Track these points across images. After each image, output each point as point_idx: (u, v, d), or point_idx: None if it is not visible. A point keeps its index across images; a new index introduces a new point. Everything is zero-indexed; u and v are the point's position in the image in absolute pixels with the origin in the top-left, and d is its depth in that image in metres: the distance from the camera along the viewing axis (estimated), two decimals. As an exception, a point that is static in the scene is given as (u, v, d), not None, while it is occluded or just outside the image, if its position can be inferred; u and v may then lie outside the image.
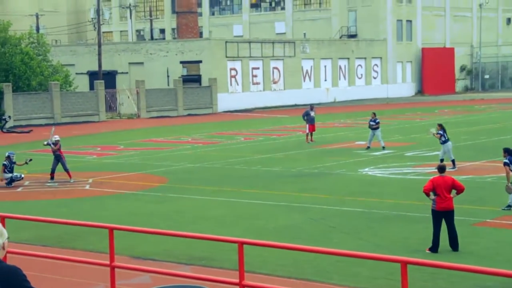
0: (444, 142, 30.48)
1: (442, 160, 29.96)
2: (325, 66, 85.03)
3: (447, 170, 18.14)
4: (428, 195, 17.12)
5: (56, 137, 29.98)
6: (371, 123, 36.75)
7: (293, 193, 25.71)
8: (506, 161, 21.86)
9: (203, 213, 22.77)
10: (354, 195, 24.80)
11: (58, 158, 29.38)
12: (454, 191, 16.99)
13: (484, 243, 18.05)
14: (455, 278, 14.13)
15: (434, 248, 16.86)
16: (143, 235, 16.89)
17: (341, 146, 39.54)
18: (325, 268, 15.22)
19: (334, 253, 10.91)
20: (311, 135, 42.45)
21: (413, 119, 57.62)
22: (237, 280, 9.30)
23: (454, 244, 16.91)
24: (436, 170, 17.72)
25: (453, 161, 30.31)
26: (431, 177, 17.59)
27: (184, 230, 16.92)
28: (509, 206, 21.95)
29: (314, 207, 23.14)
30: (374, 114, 37.77)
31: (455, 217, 17.08)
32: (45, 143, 30.70)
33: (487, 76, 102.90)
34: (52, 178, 29.39)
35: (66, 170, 29.28)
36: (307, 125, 42.57)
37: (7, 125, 56.08)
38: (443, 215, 16.88)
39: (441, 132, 30.75)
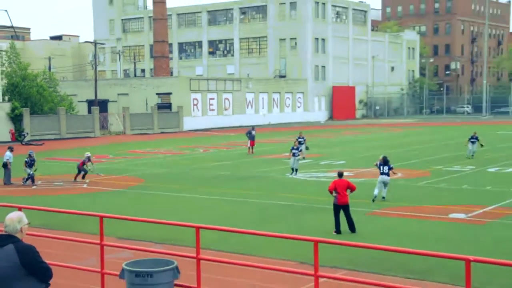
0: (294, 156, 30.64)
1: (293, 170, 30.52)
2: (262, 98, 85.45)
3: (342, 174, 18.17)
4: (331, 192, 17.39)
5: (88, 154, 30.35)
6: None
7: (238, 190, 25.71)
8: (389, 166, 22.41)
9: (171, 205, 22.69)
10: (283, 193, 24.87)
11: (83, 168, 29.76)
12: (349, 190, 17.27)
13: (373, 226, 18.30)
14: (354, 253, 14.25)
15: (338, 231, 17.08)
16: (126, 221, 16.75)
17: (273, 157, 39.65)
18: (260, 244, 15.24)
19: (264, 234, 10.89)
20: (252, 148, 42.59)
21: (326, 137, 58.02)
22: (194, 255, 9.25)
23: (352, 228, 17.27)
24: (337, 174, 17.97)
25: (296, 169, 30.62)
26: (333, 180, 17.81)
27: (157, 218, 16.76)
28: (383, 197, 22.50)
29: (253, 201, 23.18)
30: (299, 139, 37.39)
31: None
32: (89, 169, 30.34)
33: (377, 107, 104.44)
34: (83, 177, 29.45)
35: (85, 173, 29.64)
36: (249, 141, 42.83)
37: (26, 139, 55.61)
38: (341, 208, 17.21)
39: (295, 148, 31.02)
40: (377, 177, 22.72)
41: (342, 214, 17.27)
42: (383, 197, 22.52)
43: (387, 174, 22.45)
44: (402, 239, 16.33)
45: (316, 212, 20.37)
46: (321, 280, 8.77)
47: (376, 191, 22.50)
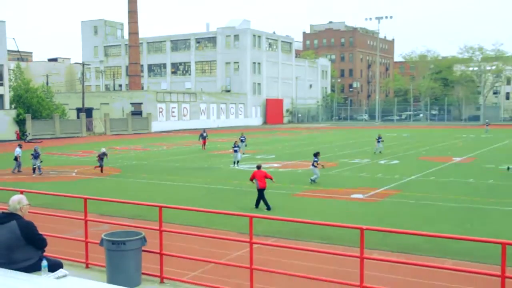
0: (235, 152, 30.57)
1: (234, 162, 30.24)
2: (213, 107, 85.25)
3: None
4: (251, 180, 17.70)
5: (104, 150, 28.72)
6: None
7: (193, 178, 25.54)
8: (316, 159, 22.96)
9: (142, 190, 22.30)
10: (228, 180, 24.84)
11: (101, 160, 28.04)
12: (267, 179, 17.59)
13: (296, 205, 18.41)
14: (281, 225, 14.31)
15: (268, 208, 17.23)
16: (106, 202, 16.44)
17: (221, 153, 39.60)
18: (210, 219, 15.15)
19: (213, 211, 10.88)
20: (204, 145, 42.40)
21: (260, 136, 58.29)
22: (158, 228, 9.13)
23: (257, 205, 17.39)
24: (256, 167, 18.26)
25: (238, 162, 30.07)
26: (254, 171, 18.00)
27: (130, 199, 16.49)
28: (312, 180, 22.83)
29: (205, 186, 23.05)
30: (241, 138, 37.42)
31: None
32: (102, 152, 28.43)
33: (300, 115, 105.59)
34: (101, 171, 27.77)
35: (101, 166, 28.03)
36: (201, 140, 42.63)
37: (28, 138, 55.04)
38: (262, 190, 17.36)
39: (236, 146, 30.76)
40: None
41: (265, 194, 17.51)
42: (311, 180, 23.09)
43: (312, 165, 23.00)
44: (317, 214, 16.53)
45: (252, 195, 20.37)
46: (255, 246, 8.77)
47: (313, 176, 23.29)
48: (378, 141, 37.07)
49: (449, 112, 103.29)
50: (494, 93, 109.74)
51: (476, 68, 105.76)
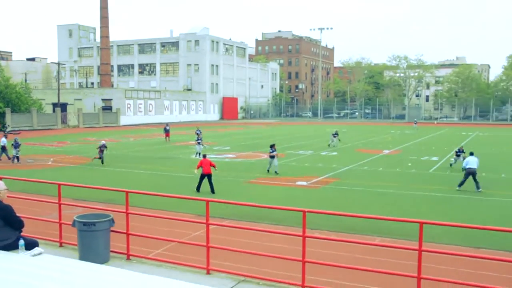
0: (198, 144, 30.34)
1: (196, 153, 30.07)
2: (175, 104, 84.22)
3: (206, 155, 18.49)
4: (198, 167, 17.81)
5: (103, 142, 26.99)
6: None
7: (157, 166, 25.21)
8: (271, 150, 22.79)
9: (112, 177, 21.85)
10: (189, 168, 24.62)
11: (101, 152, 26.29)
12: (212, 167, 17.80)
13: (248, 191, 18.44)
14: (236, 209, 14.32)
15: (198, 190, 17.44)
16: (78, 187, 16.01)
17: (182, 144, 39.19)
18: (172, 203, 14.96)
19: (173, 196, 10.76)
20: (168, 138, 41.85)
21: (217, 130, 58.02)
22: (125, 211, 8.98)
23: (212, 190, 17.42)
24: (202, 156, 18.63)
25: (199, 153, 29.78)
26: (200, 160, 18.21)
27: (101, 185, 16.12)
28: (275, 172, 22.66)
29: (169, 174, 22.80)
30: (196, 132, 37.17)
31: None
32: (102, 145, 26.45)
33: (252, 112, 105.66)
34: (102, 162, 25.94)
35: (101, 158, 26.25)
36: (165, 133, 42.07)
37: (7, 130, 53.01)
38: (206, 176, 17.54)
39: (198, 139, 30.59)
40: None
41: (205, 180, 17.69)
42: (276, 172, 22.53)
43: (271, 156, 22.72)
44: (267, 198, 16.62)
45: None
46: (211, 227, 8.77)
47: (268, 166, 22.94)
48: (334, 136, 37.45)
49: (380, 111, 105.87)
50: (417, 96, 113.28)
51: (402, 74, 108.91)
